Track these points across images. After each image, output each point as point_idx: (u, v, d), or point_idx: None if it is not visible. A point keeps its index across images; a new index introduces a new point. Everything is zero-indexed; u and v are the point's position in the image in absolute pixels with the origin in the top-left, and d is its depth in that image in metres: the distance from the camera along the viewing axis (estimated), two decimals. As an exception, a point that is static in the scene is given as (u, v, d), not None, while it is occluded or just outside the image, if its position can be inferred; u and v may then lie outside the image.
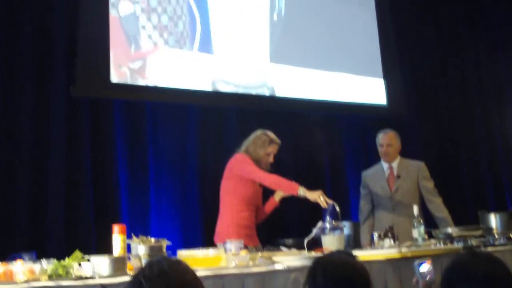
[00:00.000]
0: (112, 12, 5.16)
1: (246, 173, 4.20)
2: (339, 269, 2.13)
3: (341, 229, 3.79)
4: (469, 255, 2.13)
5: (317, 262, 2.19)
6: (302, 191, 3.93)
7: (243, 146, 4.36)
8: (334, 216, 3.80)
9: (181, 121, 5.50)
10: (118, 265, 2.75)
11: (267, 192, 4.45)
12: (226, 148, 4.98)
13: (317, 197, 3.87)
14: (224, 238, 3.70)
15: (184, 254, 3.19)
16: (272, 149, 4.32)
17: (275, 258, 3.28)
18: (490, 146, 7.65)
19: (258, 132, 4.38)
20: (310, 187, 3.99)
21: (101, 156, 5.01)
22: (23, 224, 4.50)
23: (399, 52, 7.01)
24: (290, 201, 4.49)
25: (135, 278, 1.80)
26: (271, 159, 4.32)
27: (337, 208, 3.81)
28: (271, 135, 4.37)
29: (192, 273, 1.83)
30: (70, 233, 4.61)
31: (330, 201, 3.83)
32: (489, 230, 4.44)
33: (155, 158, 5.29)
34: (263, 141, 4.31)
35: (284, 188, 4.13)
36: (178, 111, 5.50)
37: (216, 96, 5.60)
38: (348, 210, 5.92)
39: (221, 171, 4.37)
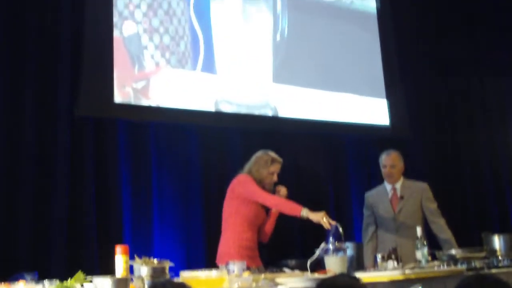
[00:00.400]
0: (116, 33, 5.19)
1: (248, 194, 4.20)
2: (343, 292, 2.12)
3: (344, 250, 3.77)
4: (475, 277, 2.12)
5: (320, 285, 2.18)
6: (305, 212, 3.92)
7: (246, 167, 4.36)
8: (337, 237, 3.78)
9: (184, 141, 5.50)
10: (121, 286, 2.73)
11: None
12: (229, 168, 4.99)
13: (320, 218, 3.86)
14: (226, 260, 3.67)
15: (186, 276, 3.17)
16: (275, 168, 4.33)
17: (278, 280, 3.25)
18: (495, 166, 7.62)
19: (259, 153, 4.40)
20: (313, 207, 3.98)
21: (105, 176, 5.01)
22: (26, 244, 4.49)
23: (401, 71, 7.02)
24: (293, 222, 4.46)
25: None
26: (275, 178, 4.33)
27: (340, 229, 3.79)
28: (273, 154, 4.38)
29: (195, 296, 1.83)
30: (73, 254, 4.60)
31: (333, 222, 3.82)
32: (493, 251, 4.41)
33: (158, 178, 5.29)
34: (265, 161, 4.32)
35: (287, 209, 4.11)
36: (181, 131, 5.50)
37: (219, 116, 5.61)
38: (351, 231, 5.90)
39: (224, 192, 4.36)
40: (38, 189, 4.67)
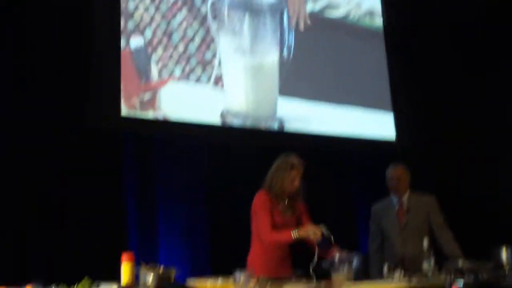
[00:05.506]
0: (124, 44, 5.22)
1: (254, 225, 4.14)
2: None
3: (351, 262, 3.72)
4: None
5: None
6: (295, 234, 3.87)
7: (267, 178, 4.23)
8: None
9: (189, 152, 5.51)
10: (126, 293, 2.73)
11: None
12: (234, 179, 5.00)
13: (305, 233, 3.83)
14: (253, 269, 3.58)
15: (192, 284, 3.17)
16: (296, 172, 4.20)
17: (284, 288, 3.25)
18: (503, 178, 7.53)
19: (279, 160, 4.27)
20: (319, 219, 3.96)
21: (110, 187, 5.03)
22: (33, 250, 4.52)
23: (408, 85, 7.02)
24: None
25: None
26: (296, 183, 4.19)
27: (325, 231, 3.79)
28: (292, 159, 4.23)
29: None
30: (80, 261, 4.59)
31: (320, 231, 3.80)
32: (500, 264, 4.37)
33: (164, 187, 5.32)
34: (284, 169, 4.19)
35: (282, 243, 4.03)
36: (186, 143, 5.52)
37: (224, 131, 5.65)
38: (357, 243, 5.88)
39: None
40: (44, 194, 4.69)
